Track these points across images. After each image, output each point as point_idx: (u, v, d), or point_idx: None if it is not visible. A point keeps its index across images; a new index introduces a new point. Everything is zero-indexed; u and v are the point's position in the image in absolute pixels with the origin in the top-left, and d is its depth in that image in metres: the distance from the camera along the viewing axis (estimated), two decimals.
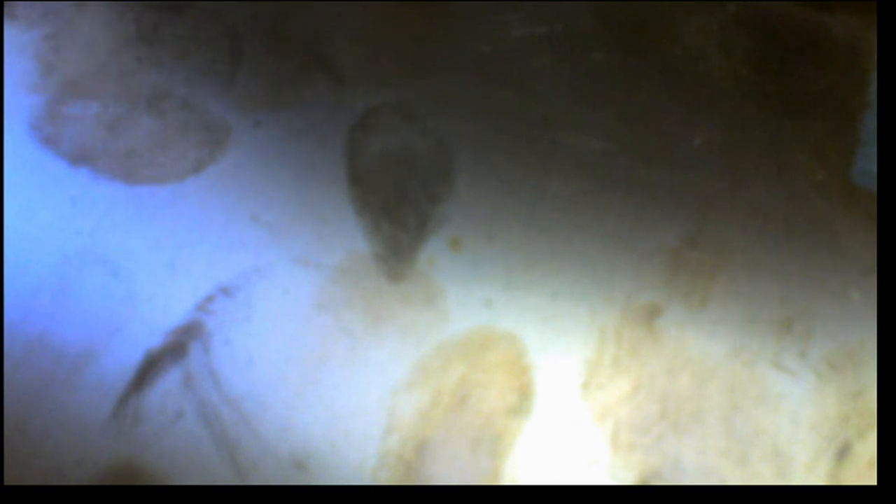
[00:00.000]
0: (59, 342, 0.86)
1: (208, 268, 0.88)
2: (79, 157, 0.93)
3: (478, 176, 0.92)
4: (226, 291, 0.87)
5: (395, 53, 0.98)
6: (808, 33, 0.97)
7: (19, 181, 0.92)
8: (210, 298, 0.87)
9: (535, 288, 0.87)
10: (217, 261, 0.89)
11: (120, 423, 0.83)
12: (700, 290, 0.87)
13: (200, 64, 0.97)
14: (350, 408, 0.84)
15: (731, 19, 0.98)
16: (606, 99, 0.95)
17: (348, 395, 0.84)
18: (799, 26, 0.97)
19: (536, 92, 0.95)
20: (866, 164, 0.91)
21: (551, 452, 0.82)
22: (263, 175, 0.92)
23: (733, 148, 0.92)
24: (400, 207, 0.91)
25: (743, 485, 0.80)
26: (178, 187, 0.92)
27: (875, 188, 0.89)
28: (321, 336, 0.86)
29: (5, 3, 1.00)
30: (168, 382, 0.84)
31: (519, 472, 0.81)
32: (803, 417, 0.82)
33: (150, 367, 0.85)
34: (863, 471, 0.80)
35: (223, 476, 0.82)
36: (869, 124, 0.92)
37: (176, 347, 0.85)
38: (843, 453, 0.81)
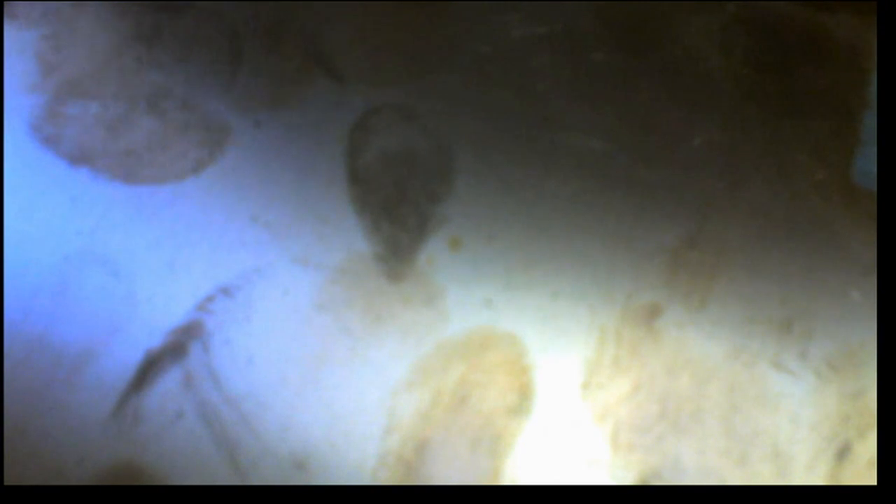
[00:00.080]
0: (59, 342, 0.86)
1: (208, 268, 0.88)
2: (79, 157, 0.93)
3: (478, 176, 0.92)
4: (226, 291, 0.87)
5: (395, 53, 0.98)
6: (808, 33, 0.97)
7: (19, 181, 0.92)
8: (210, 298, 0.87)
9: (535, 288, 0.87)
10: (217, 261, 0.89)
11: (120, 423, 0.83)
12: (700, 290, 0.87)
13: (200, 64, 0.97)
14: (350, 408, 0.84)
15: (731, 19, 0.98)
16: (606, 99, 0.95)
17: (348, 395, 0.84)
18: (799, 26, 0.97)
19: (536, 92, 0.95)
20: (866, 164, 0.91)
21: (551, 452, 0.82)
22: (263, 175, 0.92)
23: (733, 148, 0.92)
24: (400, 207, 0.91)
25: (743, 485, 0.80)
26: (177, 187, 0.92)
27: (875, 188, 0.89)
28: (321, 336, 0.86)
29: (5, 3, 1.00)
30: (168, 382, 0.84)
31: (519, 472, 0.81)
32: (803, 417, 0.82)
33: (150, 367, 0.85)
34: (863, 471, 0.80)
35: (223, 476, 0.82)
36: (869, 124, 0.92)
37: (176, 347, 0.85)
38: (843, 453, 0.81)
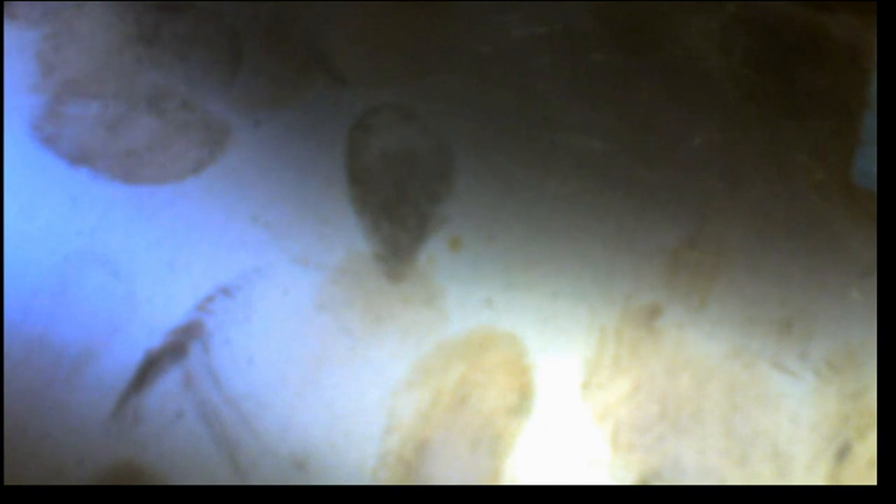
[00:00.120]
0: (59, 342, 0.86)
1: (208, 268, 0.88)
2: (79, 157, 0.93)
3: (478, 176, 0.92)
4: (226, 291, 0.87)
5: (394, 53, 0.98)
6: (808, 33, 0.97)
7: (19, 181, 0.92)
8: (210, 298, 0.87)
9: (535, 288, 0.87)
10: (217, 261, 0.89)
11: (120, 423, 0.83)
12: (700, 290, 0.87)
13: (200, 64, 0.97)
14: (350, 408, 0.84)
15: (731, 19, 0.98)
16: (606, 99, 0.95)
17: (348, 395, 0.84)
18: (799, 26, 0.97)
19: (536, 92, 0.95)
20: (866, 164, 0.91)
21: (551, 452, 0.82)
22: (263, 175, 0.92)
23: (733, 148, 0.92)
24: (400, 207, 0.91)
25: (743, 485, 0.80)
26: (178, 187, 0.92)
27: (875, 188, 0.89)
28: (321, 336, 0.86)
29: (5, 3, 1.00)
30: (168, 382, 0.84)
31: (519, 472, 0.81)
32: (803, 417, 0.82)
33: (150, 367, 0.85)
34: (863, 471, 0.80)
35: (223, 476, 0.82)
36: (869, 124, 0.92)
37: (176, 347, 0.85)
38: (843, 453, 0.81)
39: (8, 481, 0.81)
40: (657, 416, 0.83)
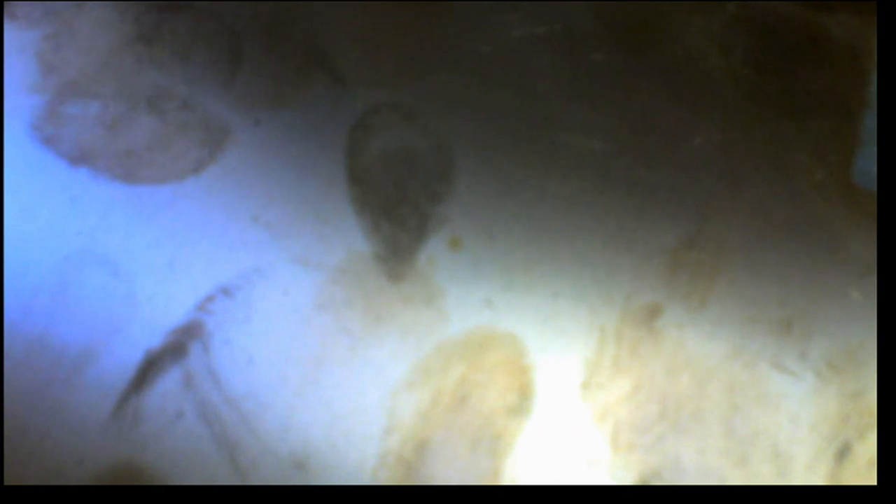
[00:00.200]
0: (59, 342, 0.86)
1: (208, 268, 0.88)
2: (79, 157, 0.93)
3: (478, 176, 0.92)
4: (226, 291, 0.87)
5: (395, 53, 0.98)
6: (808, 33, 0.97)
7: (19, 181, 0.92)
8: (210, 298, 0.87)
9: (536, 288, 0.87)
10: (217, 261, 0.89)
11: (120, 423, 0.83)
12: (700, 290, 0.87)
13: (200, 64, 0.97)
14: (350, 408, 0.84)
15: (731, 19, 0.98)
16: (606, 99, 0.95)
17: (348, 395, 0.84)
18: (799, 26, 0.97)
19: (536, 92, 0.95)
20: (866, 164, 0.91)
21: (551, 452, 0.82)
22: (263, 175, 0.92)
23: (733, 148, 0.92)
24: (400, 207, 0.91)
25: (743, 485, 0.80)
26: (178, 187, 0.92)
27: (875, 188, 0.89)
28: (321, 336, 0.86)
29: (5, 3, 1.00)
30: (168, 382, 0.84)
31: (519, 472, 0.81)
32: (803, 417, 0.82)
33: (150, 367, 0.85)
34: (863, 471, 0.80)
35: (223, 476, 0.82)
36: (869, 124, 0.92)
37: (176, 347, 0.85)
38: (843, 453, 0.81)
39: (8, 481, 0.81)
40: (657, 416, 0.83)
